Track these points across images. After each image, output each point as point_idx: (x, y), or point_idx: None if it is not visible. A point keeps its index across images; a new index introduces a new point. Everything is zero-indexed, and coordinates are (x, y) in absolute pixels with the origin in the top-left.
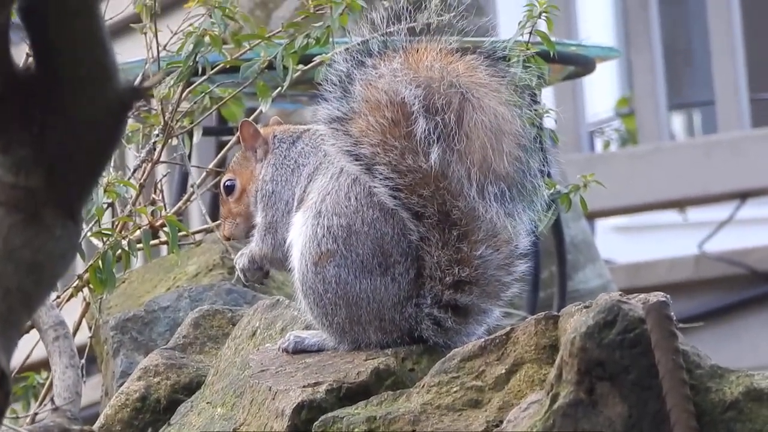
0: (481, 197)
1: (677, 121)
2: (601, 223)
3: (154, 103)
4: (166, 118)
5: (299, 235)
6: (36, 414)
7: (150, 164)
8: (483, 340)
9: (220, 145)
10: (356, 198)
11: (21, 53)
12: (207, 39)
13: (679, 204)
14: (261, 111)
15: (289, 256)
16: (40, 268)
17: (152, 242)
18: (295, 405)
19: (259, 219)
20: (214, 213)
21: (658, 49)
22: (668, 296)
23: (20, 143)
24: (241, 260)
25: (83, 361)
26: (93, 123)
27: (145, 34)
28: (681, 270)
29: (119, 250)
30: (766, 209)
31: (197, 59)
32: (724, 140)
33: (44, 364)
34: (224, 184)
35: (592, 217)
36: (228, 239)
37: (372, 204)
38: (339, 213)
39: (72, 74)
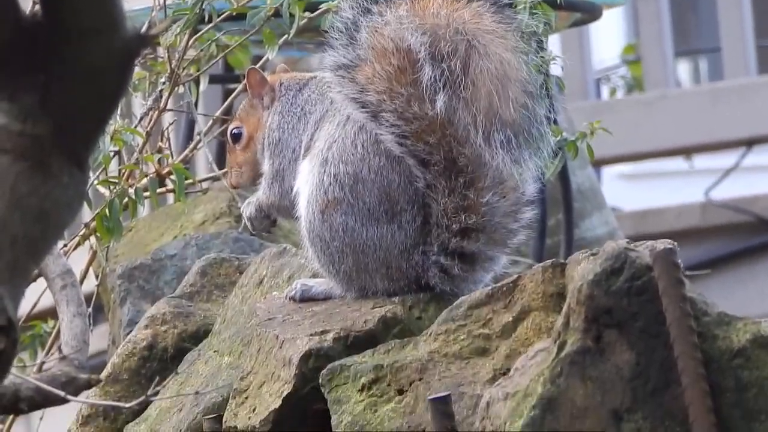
0: (487, 144)
1: (683, 68)
2: (608, 171)
3: (161, 51)
4: (172, 65)
5: (306, 183)
6: (43, 363)
7: (156, 112)
8: (490, 288)
9: (227, 93)
10: (362, 145)
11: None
12: None
13: (686, 151)
14: (267, 58)
15: (296, 204)
16: (46, 217)
17: (159, 190)
18: (302, 353)
19: (266, 167)
20: (220, 161)
21: None
22: (675, 243)
23: (27, 91)
24: (248, 209)
25: (90, 309)
26: (99, 71)
27: None
28: (687, 217)
29: (126, 199)
30: None
31: (204, 7)
32: (731, 87)
33: (51, 313)
34: (231, 132)
35: (598, 164)
36: (235, 187)
37: (378, 151)
38: (345, 161)
39: (78, 22)
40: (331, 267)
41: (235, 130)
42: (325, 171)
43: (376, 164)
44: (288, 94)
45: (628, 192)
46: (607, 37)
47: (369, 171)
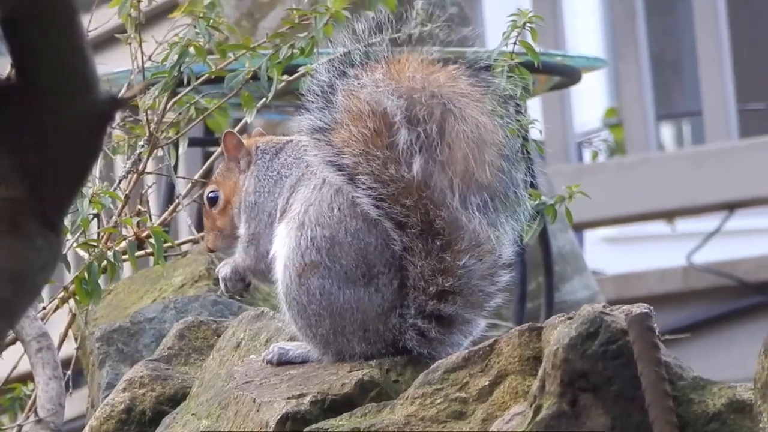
0: (463, 207)
1: (666, 131)
2: (590, 234)
3: (140, 114)
4: (151, 128)
5: (283, 247)
6: (21, 426)
7: (136, 175)
8: (467, 351)
9: (206, 156)
10: (339, 208)
11: (5, 64)
12: (192, 49)
13: (668, 215)
14: (246, 121)
15: (273, 267)
16: (20, 278)
17: (138, 253)
18: (279, 416)
19: (242, 230)
20: (200, 224)
21: (646, 59)
22: (651, 307)
23: (0, 154)
24: (224, 269)
25: (69, 372)
26: (73, 134)
27: (130, 44)
28: (669, 281)
29: (105, 262)
30: (754, 220)
31: (182, 70)
32: (712, 151)
33: (30, 376)
34: (208, 195)
35: (580, 227)
36: (212, 251)
37: (355, 214)
38: (322, 224)
39: (52, 85)
40: (308, 330)
41: (211, 194)
42: (302, 234)
43: (353, 227)
44: (264, 157)
45: (611, 255)
46: (589, 100)
47: (346, 234)
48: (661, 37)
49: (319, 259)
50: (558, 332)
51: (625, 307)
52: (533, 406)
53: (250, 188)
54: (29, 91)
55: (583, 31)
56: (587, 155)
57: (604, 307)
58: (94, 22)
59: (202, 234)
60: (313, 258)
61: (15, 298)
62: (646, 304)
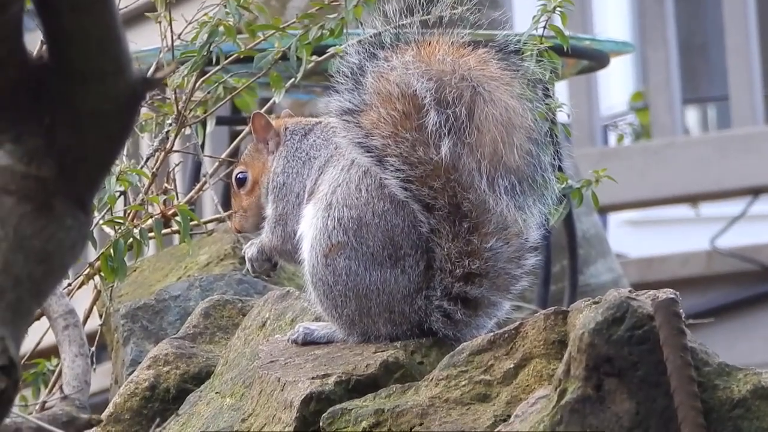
0: (491, 190)
1: (691, 115)
2: (614, 217)
3: (168, 93)
4: (179, 107)
5: (310, 227)
6: (45, 402)
7: (163, 153)
8: (492, 334)
9: (233, 135)
10: (367, 190)
11: (35, 41)
12: (221, 29)
13: (692, 199)
14: (274, 101)
15: (299, 248)
16: (50, 258)
17: (164, 231)
18: (303, 396)
19: (269, 211)
20: (226, 203)
21: (674, 44)
22: (677, 293)
23: (32, 133)
24: (250, 250)
25: (93, 348)
26: (105, 113)
27: (160, 23)
28: (693, 265)
29: (131, 239)
30: None
31: (211, 49)
32: (738, 136)
33: (54, 351)
34: (236, 176)
35: (604, 210)
36: (239, 232)
37: (383, 196)
38: (350, 205)
39: (85, 65)
40: (334, 311)
41: (239, 175)
42: (329, 215)
43: (380, 209)
44: (293, 138)
45: (634, 239)
46: (616, 83)
47: (373, 215)
48: (688, 21)
49: (346, 239)
50: (584, 317)
51: (652, 292)
52: (558, 389)
53: (278, 169)
54: (61, 71)
55: (611, 15)
56: (613, 139)
57: (630, 292)
58: (124, 0)
59: (228, 212)
60: (340, 239)
61: (44, 277)
62: (671, 290)
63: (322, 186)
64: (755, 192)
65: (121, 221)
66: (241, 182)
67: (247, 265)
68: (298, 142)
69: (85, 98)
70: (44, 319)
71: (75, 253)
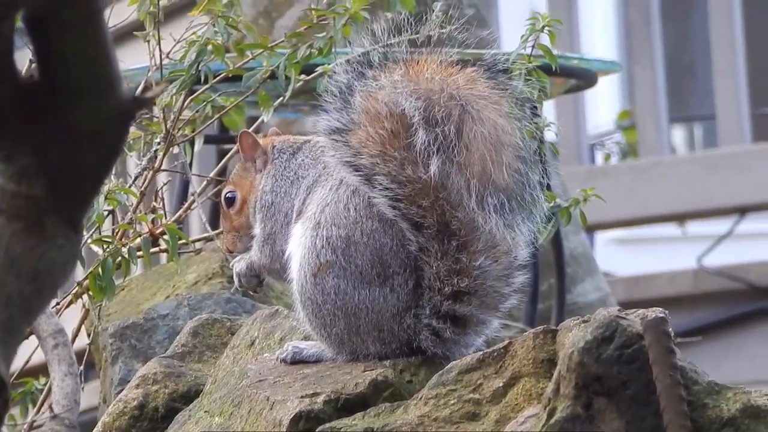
0: (480, 208)
1: (678, 134)
2: (601, 236)
3: (156, 111)
4: (167, 126)
5: (298, 246)
6: (34, 421)
7: (151, 172)
8: (481, 353)
9: (222, 154)
10: (355, 209)
11: (24, 59)
12: (210, 48)
13: (679, 217)
14: (263, 120)
15: (288, 267)
16: (41, 277)
17: (152, 250)
18: (292, 415)
19: (257, 230)
20: (214, 221)
21: (660, 63)
22: (666, 312)
23: (22, 152)
24: (238, 265)
25: (82, 367)
26: (95, 132)
27: (148, 41)
28: (680, 284)
29: (119, 258)
30: (765, 224)
31: (200, 68)
32: (725, 154)
33: (43, 370)
34: (225, 195)
35: (591, 229)
36: (231, 252)
37: (371, 215)
38: (338, 224)
39: (75, 84)
40: (323, 330)
41: (228, 194)
42: (317, 234)
43: (368, 227)
44: (281, 157)
45: (621, 257)
46: (603, 102)
47: (362, 234)
48: (675, 41)
49: (334, 258)
50: (573, 335)
51: (641, 311)
52: (547, 408)
53: (266, 188)
54: (52, 90)
55: (599, 35)
56: (600, 157)
57: (619, 310)
58: (113, 19)
59: (216, 231)
60: (329, 258)
61: (35, 296)
62: (661, 309)
63: (311, 205)
64: (742, 210)
65: (110, 240)
66: (231, 202)
67: (235, 279)
68: (286, 161)
69: (76, 117)
70: (32, 337)
71: (66, 272)
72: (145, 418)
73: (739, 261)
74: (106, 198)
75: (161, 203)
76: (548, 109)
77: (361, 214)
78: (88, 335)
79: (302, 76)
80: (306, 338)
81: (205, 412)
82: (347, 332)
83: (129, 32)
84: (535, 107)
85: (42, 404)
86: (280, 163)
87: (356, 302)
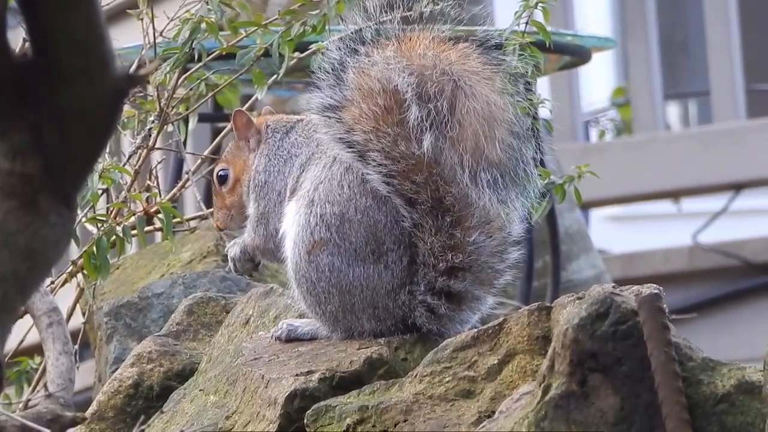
0: (473, 184)
1: (673, 111)
2: (596, 213)
3: (150, 90)
4: (161, 104)
5: (292, 224)
6: (29, 400)
7: (145, 150)
8: (475, 330)
9: (216, 132)
10: (349, 186)
11: (18, 37)
12: (203, 25)
13: (674, 194)
14: (257, 98)
15: (282, 246)
16: (34, 255)
17: (147, 229)
18: (287, 393)
19: (251, 210)
20: (208, 200)
21: (655, 40)
22: (661, 288)
23: (17, 130)
24: (233, 249)
25: (77, 346)
26: (89, 110)
27: (142, 20)
28: (675, 260)
29: (113, 237)
30: (760, 200)
31: (193, 46)
32: (720, 131)
33: (38, 349)
34: (217, 173)
35: (586, 206)
36: (221, 230)
37: (365, 192)
38: (332, 201)
39: (69, 62)
40: (317, 307)
41: (221, 172)
42: (311, 212)
43: (362, 204)
44: (274, 136)
45: (616, 234)
46: (597, 79)
47: (355, 211)
48: (669, 17)
49: (328, 236)
50: (568, 312)
51: (635, 287)
52: (542, 385)
53: (260, 167)
54: (46, 68)
55: (592, 11)
56: (594, 134)
57: (613, 287)
58: None
59: (210, 210)
60: (323, 235)
61: (29, 274)
62: (655, 285)
63: (305, 183)
64: (737, 187)
65: (104, 219)
66: (223, 180)
67: (230, 264)
68: (279, 140)
69: (70, 95)
70: (27, 316)
71: (60, 250)
72: (140, 396)
73: (734, 238)
74: (100, 176)
75: (155, 182)
76: (542, 86)
77: (354, 191)
78: (83, 314)
79: (296, 54)
80: (301, 316)
81: (200, 390)
82: (342, 310)
83: (122, 10)
84: (529, 84)
85: (37, 383)
86: (273, 143)
87: (351, 279)
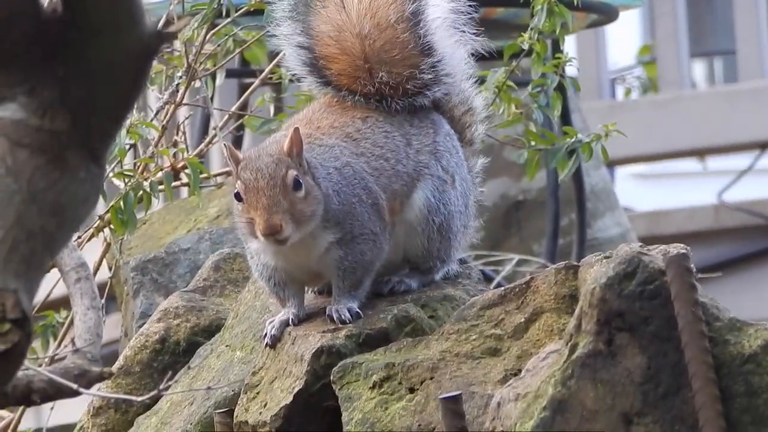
0: None
1: (698, 69)
2: (621, 171)
3: (178, 45)
4: (189, 60)
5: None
6: (55, 355)
7: (172, 106)
8: (503, 288)
9: (243, 88)
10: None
11: None
12: None
13: (699, 153)
14: (284, 54)
15: (404, 206)
16: (63, 211)
17: (174, 184)
18: (314, 350)
19: (336, 236)
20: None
21: None
22: (688, 248)
23: (46, 86)
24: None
25: (103, 300)
26: (118, 67)
27: None
28: (700, 219)
29: (141, 192)
30: None
31: (221, 2)
32: (745, 89)
33: (64, 303)
34: (294, 178)
35: (611, 164)
36: (280, 241)
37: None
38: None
39: (98, 18)
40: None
41: (298, 178)
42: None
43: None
44: (320, 172)
45: (641, 192)
46: (623, 37)
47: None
48: None
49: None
50: (595, 271)
51: (662, 247)
52: (569, 344)
53: (335, 203)
54: (75, 24)
55: None
56: (620, 92)
57: (641, 246)
58: None
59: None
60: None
61: (58, 230)
62: (682, 245)
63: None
64: (763, 146)
65: (131, 174)
66: (299, 186)
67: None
68: (328, 177)
69: (99, 51)
70: (54, 270)
71: (88, 206)
72: (167, 351)
73: (759, 196)
74: (127, 132)
75: (183, 137)
76: (569, 44)
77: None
78: (110, 269)
79: None
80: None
81: (227, 346)
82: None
83: None
84: (557, 42)
85: (63, 338)
86: (326, 181)
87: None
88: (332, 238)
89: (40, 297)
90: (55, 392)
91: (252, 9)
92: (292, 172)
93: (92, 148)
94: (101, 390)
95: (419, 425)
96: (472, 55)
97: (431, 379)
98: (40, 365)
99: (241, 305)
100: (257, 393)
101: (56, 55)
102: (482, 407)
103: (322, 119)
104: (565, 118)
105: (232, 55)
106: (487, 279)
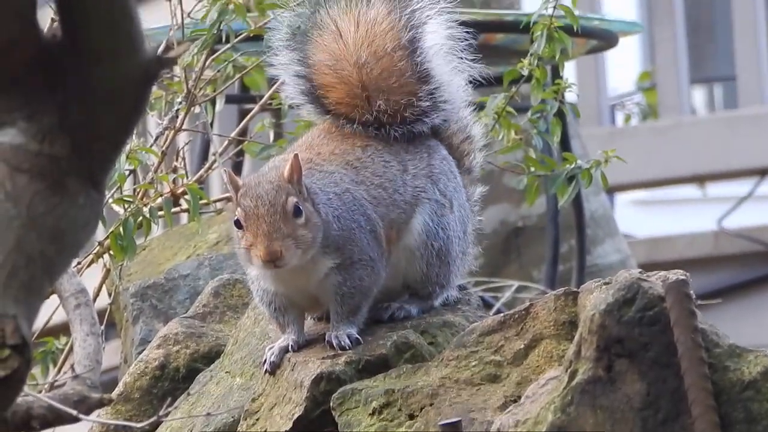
0: None
1: (698, 95)
2: (621, 197)
3: (177, 71)
4: (189, 85)
5: (424, 206)
6: (55, 381)
7: (172, 132)
8: (502, 315)
9: (243, 114)
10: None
11: (47, 17)
12: (231, 7)
13: (699, 179)
14: (283, 81)
15: (402, 234)
16: (62, 236)
17: (173, 210)
18: (314, 376)
19: (336, 261)
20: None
21: (681, 24)
22: (688, 274)
23: (45, 111)
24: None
25: (102, 326)
26: (118, 92)
27: (170, 1)
28: (700, 245)
29: (140, 217)
30: None
31: (221, 27)
32: (745, 115)
33: (63, 329)
34: (294, 204)
35: (611, 190)
36: (278, 266)
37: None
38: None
39: (98, 43)
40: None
41: (298, 204)
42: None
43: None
44: (320, 198)
45: (641, 219)
46: (623, 63)
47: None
48: (696, 1)
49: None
50: (594, 297)
51: (662, 273)
52: (569, 370)
53: (335, 229)
54: (75, 49)
55: None
56: (620, 118)
57: (640, 272)
58: None
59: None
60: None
61: (57, 255)
62: (682, 271)
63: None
64: (763, 172)
65: (131, 200)
66: (299, 213)
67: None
68: (328, 203)
69: (99, 76)
70: (54, 296)
71: (88, 232)
72: (166, 378)
73: (759, 223)
74: (127, 157)
75: (182, 163)
76: (569, 70)
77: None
78: (109, 295)
79: None
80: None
81: (227, 372)
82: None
83: None
84: (557, 68)
85: (63, 364)
86: (326, 207)
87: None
88: (332, 264)
89: (39, 323)
90: (54, 418)
91: (252, 35)
92: (293, 199)
93: (92, 174)
94: (101, 416)
95: None
96: (472, 81)
97: (431, 405)
98: (40, 391)
99: (241, 331)
100: (257, 419)
101: (56, 81)
102: None
103: (322, 145)
104: (565, 144)
105: (231, 81)
106: (487, 305)
